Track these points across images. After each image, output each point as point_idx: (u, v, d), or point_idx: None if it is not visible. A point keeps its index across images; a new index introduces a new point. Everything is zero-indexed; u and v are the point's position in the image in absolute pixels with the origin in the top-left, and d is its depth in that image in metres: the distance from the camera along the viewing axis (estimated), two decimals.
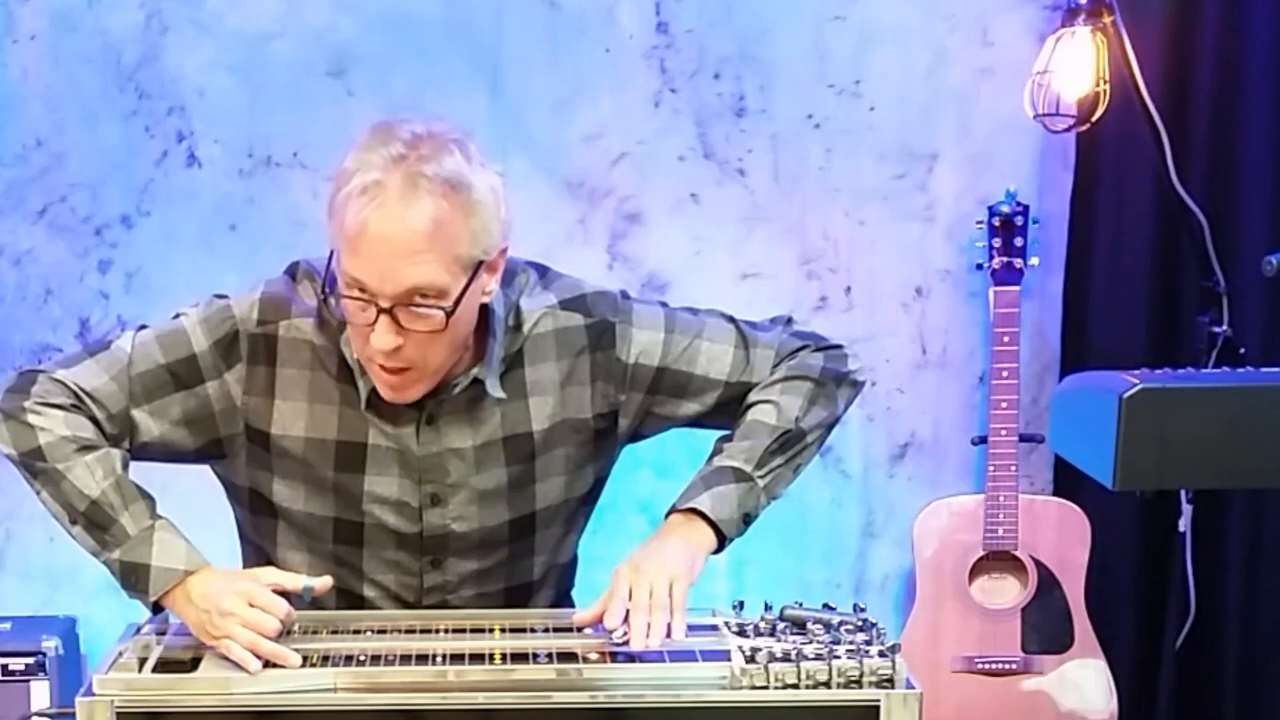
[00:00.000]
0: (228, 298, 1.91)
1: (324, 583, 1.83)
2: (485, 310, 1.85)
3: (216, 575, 1.80)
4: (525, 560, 2.01)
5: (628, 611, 1.75)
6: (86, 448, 1.84)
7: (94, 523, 1.83)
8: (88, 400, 1.85)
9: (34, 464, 1.84)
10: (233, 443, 1.91)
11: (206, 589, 1.77)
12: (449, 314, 1.73)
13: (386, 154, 1.70)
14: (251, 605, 1.74)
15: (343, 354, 1.86)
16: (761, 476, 1.93)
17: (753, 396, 1.98)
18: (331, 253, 1.77)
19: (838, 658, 1.66)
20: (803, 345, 2.03)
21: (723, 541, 1.90)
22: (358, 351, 1.82)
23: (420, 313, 1.72)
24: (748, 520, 1.92)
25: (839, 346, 2.06)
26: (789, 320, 2.08)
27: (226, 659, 1.71)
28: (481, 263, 1.76)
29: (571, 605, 2.10)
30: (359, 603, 1.96)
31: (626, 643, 1.73)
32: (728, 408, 2.00)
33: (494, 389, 1.87)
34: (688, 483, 1.94)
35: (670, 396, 1.98)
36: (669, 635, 1.74)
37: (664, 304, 2.06)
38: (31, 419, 1.83)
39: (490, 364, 1.86)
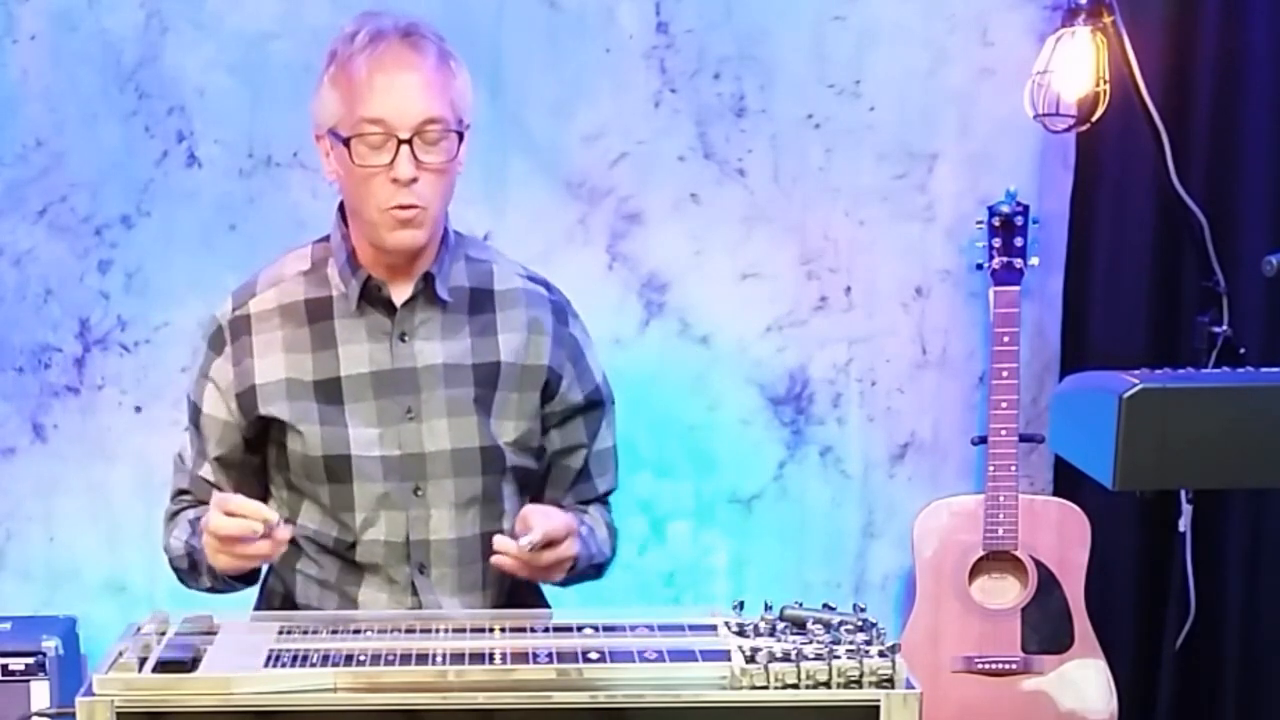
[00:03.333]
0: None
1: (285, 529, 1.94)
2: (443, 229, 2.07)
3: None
4: (499, 504, 2.10)
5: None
6: (170, 520, 2.14)
7: (194, 565, 2.09)
8: (192, 487, 2.14)
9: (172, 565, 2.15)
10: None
11: None
12: (460, 136, 1.96)
13: (379, 18, 1.96)
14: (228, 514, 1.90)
15: (307, 299, 2.05)
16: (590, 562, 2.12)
17: (604, 517, 2.21)
18: (332, 129, 1.96)
19: (838, 658, 1.66)
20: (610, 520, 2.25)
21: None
22: (373, 206, 1.97)
23: (432, 143, 1.94)
24: (573, 568, 2.06)
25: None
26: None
27: (226, 659, 1.71)
28: (463, 123, 1.98)
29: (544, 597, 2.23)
30: (351, 551, 2.08)
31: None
32: (557, 467, 2.18)
33: (442, 291, 2.04)
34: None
35: (558, 405, 2.13)
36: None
37: None
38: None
39: (441, 266, 2.05)
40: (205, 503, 2.02)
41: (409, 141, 1.92)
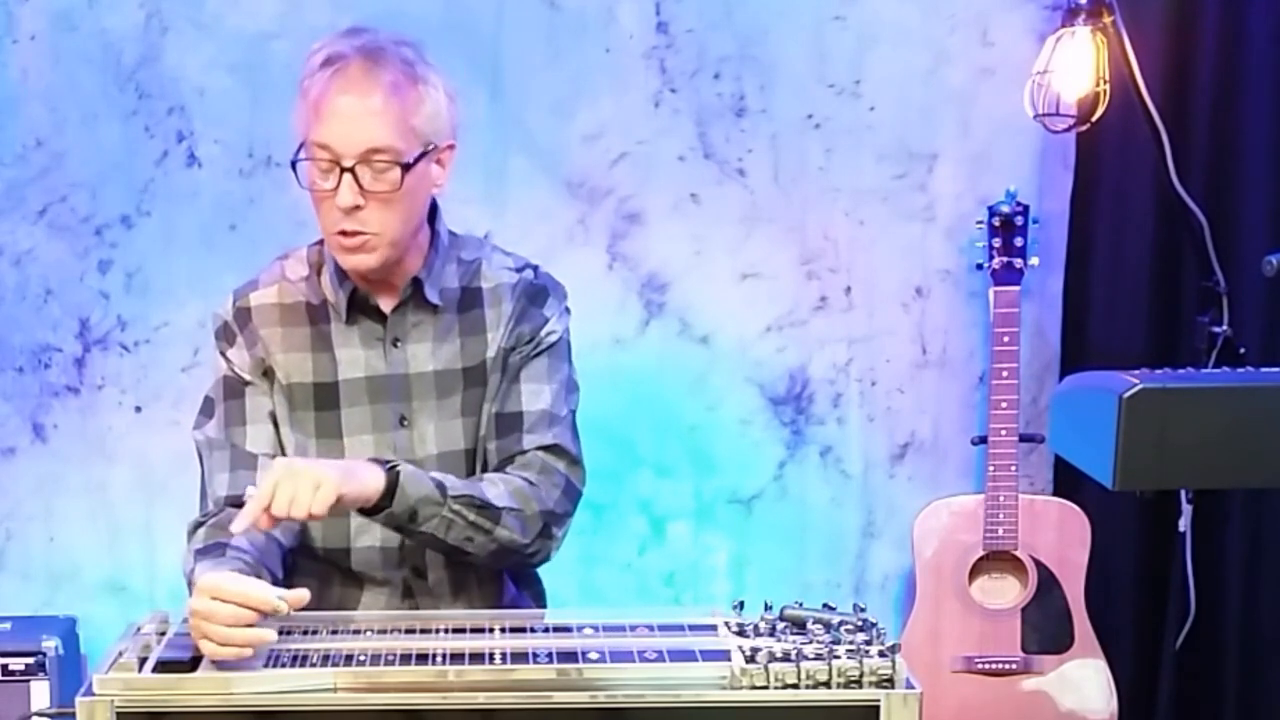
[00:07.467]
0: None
1: (299, 596, 1.75)
2: (433, 231, 2.06)
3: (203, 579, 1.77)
4: None
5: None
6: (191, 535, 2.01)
7: None
8: (212, 493, 2.04)
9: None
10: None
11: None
12: (405, 169, 1.90)
13: (349, 38, 1.94)
14: (214, 600, 1.70)
15: (308, 302, 2.06)
16: (451, 510, 1.93)
17: (500, 473, 2.04)
18: (299, 149, 1.96)
19: (838, 658, 1.66)
20: (557, 475, 2.06)
21: (378, 507, 1.88)
22: (323, 229, 1.99)
23: (379, 172, 1.91)
24: (412, 518, 1.91)
25: (573, 495, 2.08)
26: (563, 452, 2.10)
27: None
28: (432, 146, 1.95)
29: (540, 586, 2.23)
30: (346, 558, 2.07)
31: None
32: (499, 431, 2.06)
33: (431, 295, 2.04)
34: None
35: (511, 381, 2.08)
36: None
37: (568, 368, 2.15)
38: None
39: (430, 270, 2.05)
40: (238, 502, 1.95)
41: (352, 170, 1.91)
